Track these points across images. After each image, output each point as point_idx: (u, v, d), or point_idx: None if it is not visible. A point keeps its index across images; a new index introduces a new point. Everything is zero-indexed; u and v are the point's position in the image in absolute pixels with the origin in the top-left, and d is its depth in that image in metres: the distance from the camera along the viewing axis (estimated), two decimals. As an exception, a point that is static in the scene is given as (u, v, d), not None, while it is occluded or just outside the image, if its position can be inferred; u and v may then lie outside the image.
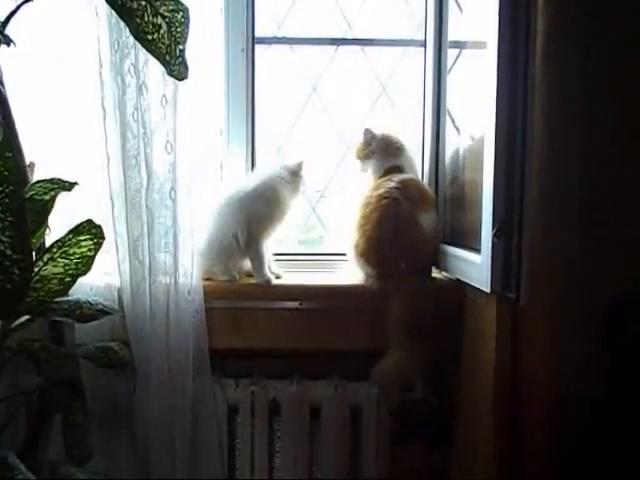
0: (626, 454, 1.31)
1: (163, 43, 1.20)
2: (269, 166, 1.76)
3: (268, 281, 1.67)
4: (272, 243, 1.76)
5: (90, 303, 1.40)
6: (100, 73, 1.50)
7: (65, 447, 1.40)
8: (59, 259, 1.24)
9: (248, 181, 1.74)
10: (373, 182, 1.73)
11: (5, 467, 1.08)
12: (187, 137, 1.55)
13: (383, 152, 1.74)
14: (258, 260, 1.69)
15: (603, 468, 1.33)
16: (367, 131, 1.75)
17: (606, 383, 1.36)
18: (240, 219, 1.67)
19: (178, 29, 1.21)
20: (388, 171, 1.72)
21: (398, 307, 1.57)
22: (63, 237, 1.23)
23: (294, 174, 1.71)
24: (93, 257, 1.27)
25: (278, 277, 1.73)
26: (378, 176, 1.73)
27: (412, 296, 1.58)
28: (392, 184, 1.65)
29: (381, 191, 1.65)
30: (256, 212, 1.68)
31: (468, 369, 1.58)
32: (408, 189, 1.65)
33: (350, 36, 1.96)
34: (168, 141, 1.52)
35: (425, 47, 1.84)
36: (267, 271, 1.69)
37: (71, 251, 1.24)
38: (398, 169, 1.72)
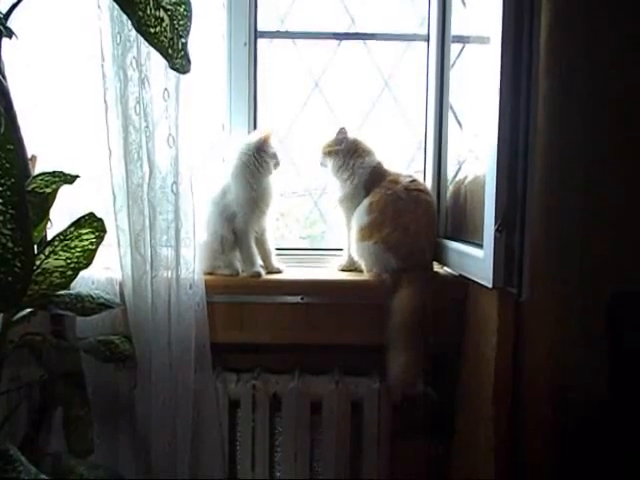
0: (626, 450, 1.31)
1: (165, 36, 1.20)
2: (233, 153, 1.72)
3: (258, 273, 1.67)
4: (272, 237, 1.77)
5: (92, 297, 1.40)
6: (102, 66, 1.49)
7: (66, 440, 1.41)
8: (61, 252, 1.24)
9: (221, 176, 1.74)
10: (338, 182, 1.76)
11: (6, 460, 1.09)
12: (189, 131, 1.54)
13: (349, 154, 1.75)
14: (247, 252, 1.69)
15: (603, 464, 1.34)
16: (341, 130, 1.75)
17: (607, 378, 1.36)
18: (218, 217, 1.69)
19: (180, 22, 1.21)
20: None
21: (408, 301, 1.57)
22: (65, 230, 1.23)
23: (255, 153, 1.68)
24: (95, 250, 1.27)
25: (280, 272, 1.73)
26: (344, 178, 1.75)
27: (423, 289, 1.58)
28: (410, 179, 1.70)
29: (407, 185, 1.68)
30: (228, 208, 1.69)
31: (469, 364, 1.59)
32: (421, 184, 1.73)
33: (353, 30, 1.95)
34: (170, 135, 1.52)
35: (428, 42, 1.83)
36: (257, 263, 1.70)
37: (73, 244, 1.24)
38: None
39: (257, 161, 1.68)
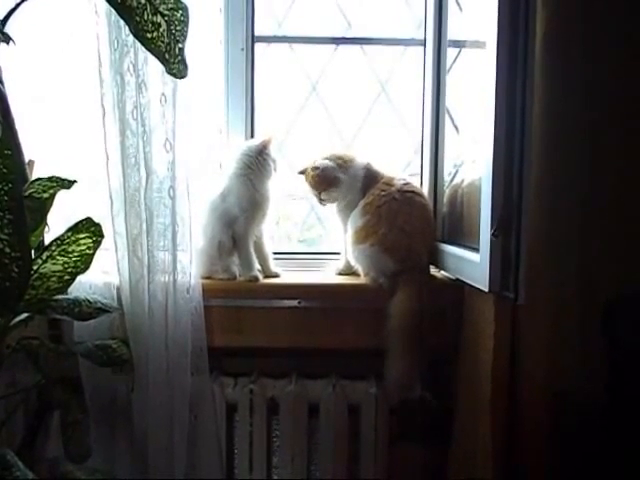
0: (624, 453, 1.31)
1: (162, 41, 1.20)
2: (232, 157, 1.72)
3: (255, 277, 1.68)
4: (269, 241, 1.77)
5: (89, 301, 1.40)
6: (99, 71, 1.50)
7: (63, 445, 1.40)
8: (58, 257, 1.24)
9: (219, 181, 1.74)
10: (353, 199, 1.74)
11: (3, 465, 1.09)
12: (186, 136, 1.55)
13: (340, 171, 1.73)
14: (244, 256, 1.70)
15: (601, 467, 1.34)
16: (316, 166, 1.72)
17: (604, 382, 1.36)
18: (216, 222, 1.68)
19: (177, 27, 1.21)
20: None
21: (405, 304, 1.56)
22: (62, 235, 1.23)
23: (257, 156, 1.69)
24: (92, 255, 1.27)
25: (277, 276, 1.74)
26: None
27: (421, 291, 1.57)
28: (404, 181, 1.70)
29: (401, 187, 1.67)
30: (228, 212, 1.69)
31: (466, 367, 1.59)
32: (415, 186, 1.73)
33: (350, 35, 1.96)
34: (167, 139, 1.52)
35: (425, 46, 1.84)
36: (255, 268, 1.70)
37: (70, 249, 1.24)
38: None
39: (260, 163, 1.69)
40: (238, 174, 1.69)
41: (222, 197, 1.69)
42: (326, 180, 1.72)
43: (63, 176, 1.24)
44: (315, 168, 1.71)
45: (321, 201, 1.76)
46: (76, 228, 1.23)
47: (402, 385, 1.56)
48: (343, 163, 1.74)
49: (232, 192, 1.69)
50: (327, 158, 1.74)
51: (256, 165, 1.69)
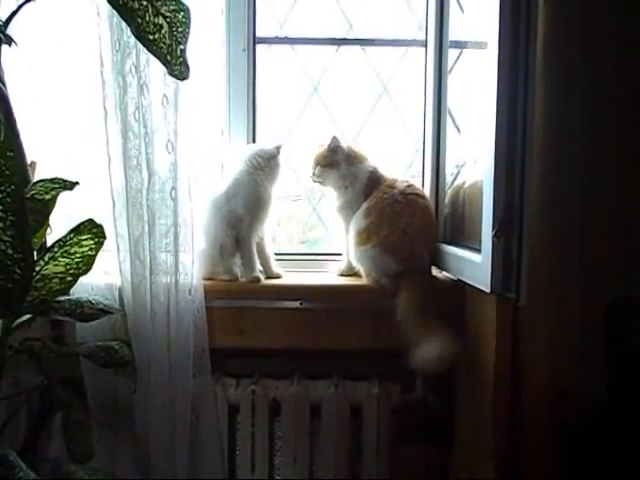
0: (625, 453, 1.31)
1: (164, 43, 1.21)
2: (240, 158, 1.73)
3: (257, 278, 1.68)
4: (270, 242, 1.78)
5: (91, 302, 1.41)
6: (101, 73, 1.50)
7: (66, 445, 1.41)
8: (60, 258, 1.24)
9: (222, 181, 1.74)
10: (338, 192, 1.76)
11: (6, 465, 1.09)
12: (188, 137, 1.55)
13: (348, 162, 1.75)
14: (247, 257, 1.70)
15: (602, 467, 1.34)
16: (334, 139, 1.73)
17: (605, 382, 1.36)
18: (220, 223, 1.68)
19: (179, 29, 1.21)
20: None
21: (409, 303, 1.56)
22: (64, 236, 1.23)
23: (269, 159, 1.71)
24: (94, 256, 1.27)
25: (279, 277, 1.74)
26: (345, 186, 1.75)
27: (423, 291, 1.57)
28: (407, 184, 1.71)
29: (404, 189, 1.68)
30: (233, 212, 1.69)
31: (468, 369, 1.59)
32: (418, 188, 1.74)
33: (351, 36, 1.96)
34: (169, 141, 1.52)
35: (426, 47, 1.84)
36: (257, 269, 1.70)
37: (72, 250, 1.24)
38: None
39: (270, 166, 1.71)
40: (247, 173, 1.69)
41: (226, 197, 1.69)
42: (328, 157, 1.74)
43: (65, 177, 1.24)
44: (333, 138, 1.73)
45: (313, 175, 1.77)
46: (78, 229, 1.23)
47: (444, 353, 1.51)
48: (353, 157, 1.75)
49: (239, 192, 1.69)
50: (347, 146, 1.76)
51: (267, 167, 1.70)
